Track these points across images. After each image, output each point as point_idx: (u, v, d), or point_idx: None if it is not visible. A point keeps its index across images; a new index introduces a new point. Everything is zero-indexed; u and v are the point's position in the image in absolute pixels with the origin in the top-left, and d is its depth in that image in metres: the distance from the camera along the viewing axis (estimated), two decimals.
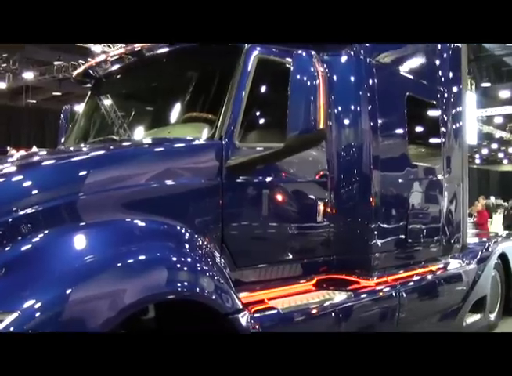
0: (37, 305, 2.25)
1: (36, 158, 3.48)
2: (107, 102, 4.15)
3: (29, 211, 2.56)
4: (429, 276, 4.79)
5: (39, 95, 26.63)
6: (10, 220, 2.51)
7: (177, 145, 3.29)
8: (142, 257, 2.66)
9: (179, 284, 2.70)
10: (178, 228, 2.97)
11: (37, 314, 2.24)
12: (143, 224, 2.87)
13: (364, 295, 4.04)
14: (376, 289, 4.16)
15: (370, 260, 4.21)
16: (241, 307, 3.00)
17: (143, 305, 2.59)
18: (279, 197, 3.62)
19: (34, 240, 2.52)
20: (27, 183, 2.77)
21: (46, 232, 2.57)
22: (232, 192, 3.28)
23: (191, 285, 2.74)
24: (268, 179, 3.52)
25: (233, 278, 3.28)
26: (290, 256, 3.79)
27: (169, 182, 3.06)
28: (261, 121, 3.66)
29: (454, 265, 5.25)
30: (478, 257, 5.75)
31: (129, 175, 2.98)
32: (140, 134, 3.92)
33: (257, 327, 3.05)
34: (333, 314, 3.69)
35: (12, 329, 2.15)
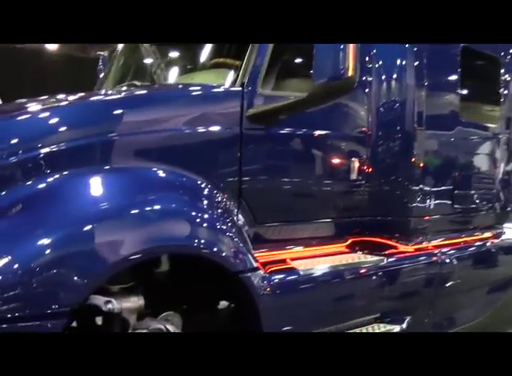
0: (33, 250, 2.16)
1: (60, 100, 3.35)
2: (136, 48, 3.99)
3: (50, 149, 2.46)
4: (476, 245, 4.45)
5: (108, 47, 26.89)
6: (30, 157, 2.42)
7: (194, 91, 3.09)
8: (150, 208, 2.52)
9: (185, 239, 2.56)
10: (193, 179, 2.81)
11: (32, 259, 2.14)
12: (159, 173, 2.72)
13: (400, 261, 3.78)
14: (415, 255, 3.89)
15: (409, 224, 3.93)
16: (254, 266, 2.83)
17: (147, 256, 2.45)
18: (306, 151, 3.39)
19: (49, 180, 2.42)
20: (52, 121, 2.67)
21: (64, 173, 2.45)
22: (253, 143, 3.07)
23: (199, 240, 2.59)
24: (295, 131, 3.29)
25: (252, 235, 3.12)
26: (319, 215, 3.56)
27: (185, 130, 2.88)
28: (288, 68, 3.39)
29: (506, 234, 4.87)
30: None
31: (143, 121, 2.82)
32: (165, 80, 3.74)
33: (269, 288, 2.87)
34: (361, 279, 3.47)
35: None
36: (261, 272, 2.90)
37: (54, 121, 2.67)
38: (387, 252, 3.79)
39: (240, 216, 3.02)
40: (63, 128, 2.63)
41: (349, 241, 3.79)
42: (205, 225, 2.66)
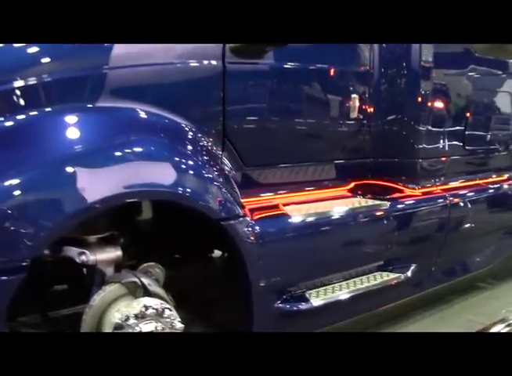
0: None
1: None
2: None
3: (24, 83, 2.22)
4: (490, 188, 4.20)
5: None
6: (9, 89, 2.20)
7: None
8: (121, 151, 2.28)
9: (160, 185, 2.32)
10: (173, 119, 2.56)
11: None
12: (134, 112, 2.46)
13: (406, 205, 3.55)
14: (422, 199, 3.65)
15: (417, 166, 3.69)
16: (239, 213, 2.63)
17: (117, 203, 2.23)
18: (298, 87, 3.12)
19: (19, 117, 2.19)
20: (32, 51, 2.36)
21: (34, 111, 2.22)
22: (237, 78, 2.81)
23: (176, 186, 2.36)
24: (285, 64, 3.01)
25: (241, 180, 2.91)
26: (315, 156, 3.32)
27: (163, 65, 2.61)
28: None
29: None
30: None
31: (121, 56, 2.55)
32: None
33: (255, 236, 2.67)
34: (361, 225, 3.25)
35: None
36: (248, 219, 2.70)
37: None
38: (392, 196, 3.56)
39: (225, 159, 2.80)
40: (37, 60, 2.35)
41: (351, 185, 3.57)
42: (184, 169, 2.43)
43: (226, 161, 2.80)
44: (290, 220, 2.89)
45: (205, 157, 2.60)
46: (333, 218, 3.07)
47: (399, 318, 3.83)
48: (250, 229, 2.66)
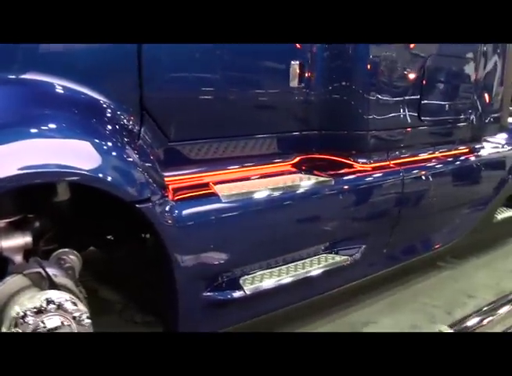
0: None
1: None
2: None
3: None
4: (448, 161, 3.91)
5: None
6: None
7: None
8: (29, 126, 2.00)
9: (59, 165, 1.98)
10: (79, 90, 2.25)
11: None
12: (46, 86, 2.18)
13: (353, 181, 3.26)
14: (372, 174, 3.37)
15: (367, 139, 3.39)
16: (157, 193, 2.32)
17: (16, 182, 1.91)
18: (230, 48, 2.73)
19: None
20: None
21: None
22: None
23: (79, 166, 2.02)
24: None
25: (163, 156, 2.62)
26: (252, 128, 3.01)
27: None
28: None
29: (485, 149, 4.32)
30: None
31: None
32: None
33: (174, 218, 2.38)
34: (301, 204, 2.96)
35: None
36: (168, 200, 2.40)
37: None
38: (339, 171, 3.27)
39: (145, 135, 2.48)
40: None
41: (296, 160, 3.27)
42: (91, 148, 2.09)
43: (146, 137, 2.48)
44: (217, 200, 2.58)
45: (118, 134, 2.29)
46: (268, 196, 2.77)
47: (345, 303, 3.56)
48: (170, 210, 2.37)
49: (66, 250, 2.40)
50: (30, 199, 2.26)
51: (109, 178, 2.10)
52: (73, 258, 2.42)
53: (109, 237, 2.92)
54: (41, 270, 2.12)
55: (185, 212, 2.44)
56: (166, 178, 2.60)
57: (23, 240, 2.21)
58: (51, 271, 2.15)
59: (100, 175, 2.07)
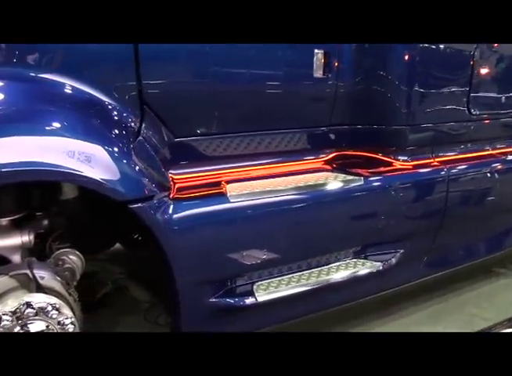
0: None
1: None
2: None
3: None
4: (500, 159, 3.54)
5: None
6: None
7: None
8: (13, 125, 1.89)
9: (49, 164, 1.86)
10: (73, 85, 2.11)
11: None
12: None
13: (391, 179, 2.98)
14: (413, 173, 3.08)
15: (406, 134, 3.10)
16: (155, 193, 2.16)
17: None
18: None
19: None
20: None
21: None
22: None
23: (67, 165, 1.89)
24: None
25: (172, 153, 2.45)
26: (273, 124, 2.78)
27: None
28: None
29: None
30: None
31: None
32: None
33: (175, 220, 2.21)
34: (327, 205, 2.72)
35: None
36: (167, 200, 2.23)
37: None
38: (373, 169, 3.00)
39: (147, 130, 2.32)
40: None
41: (325, 157, 3.03)
42: (76, 144, 1.96)
43: (148, 133, 2.32)
44: (225, 200, 2.39)
45: (111, 130, 2.14)
46: (285, 196, 2.54)
47: (382, 311, 3.28)
48: (167, 211, 2.20)
49: (68, 250, 2.30)
50: (32, 197, 2.19)
51: (95, 177, 1.95)
52: (73, 258, 2.32)
53: (132, 237, 2.83)
54: (27, 272, 2.01)
55: (188, 213, 2.26)
56: (175, 177, 2.45)
57: (21, 239, 2.12)
58: (40, 273, 2.04)
59: (84, 173, 1.92)
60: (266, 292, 2.52)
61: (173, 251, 2.21)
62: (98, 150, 1.99)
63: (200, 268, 2.33)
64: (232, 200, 2.38)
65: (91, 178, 1.93)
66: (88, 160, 1.94)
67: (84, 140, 1.98)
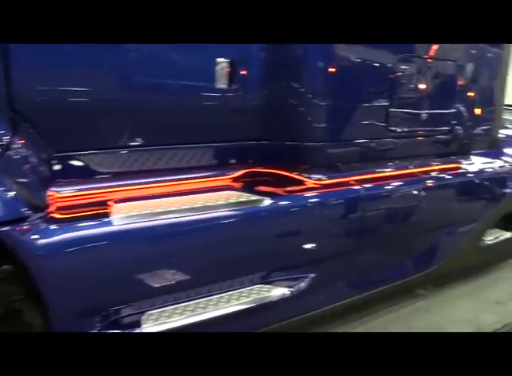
0: None
1: None
2: None
3: None
4: (425, 179, 3.39)
5: None
6: None
7: None
8: None
9: None
10: None
11: None
12: None
13: (297, 199, 2.78)
14: (325, 192, 2.89)
15: (319, 151, 2.93)
16: (23, 215, 1.93)
17: None
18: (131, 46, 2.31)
19: None
20: None
21: None
22: None
23: None
24: None
25: (50, 170, 2.21)
26: (176, 137, 2.58)
27: None
28: None
29: (472, 165, 3.80)
30: None
31: None
32: None
33: (48, 245, 1.98)
34: (219, 229, 2.51)
35: None
36: (41, 223, 1.99)
37: None
38: (285, 189, 2.81)
39: (19, 144, 2.07)
40: None
41: (237, 174, 2.83)
42: None
43: (21, 146, 2.07)
44: (108, 222, 2.15)
45: None
46: (177, 218, 2.33)
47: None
48: (43, 235, 1.96)
49: None
50: None
51: None
52: None
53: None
54: None
55: (60, 237, 2.03)
56: (57, 195, 2.21)
57: None
58: None
59: None
60: (155, 323, 2.29)
61: (45, 279, 1.98)
62: None
63: (80, 298, 2.11)
64: (115, 223, 2.15)
65: None
66: None
67: None
